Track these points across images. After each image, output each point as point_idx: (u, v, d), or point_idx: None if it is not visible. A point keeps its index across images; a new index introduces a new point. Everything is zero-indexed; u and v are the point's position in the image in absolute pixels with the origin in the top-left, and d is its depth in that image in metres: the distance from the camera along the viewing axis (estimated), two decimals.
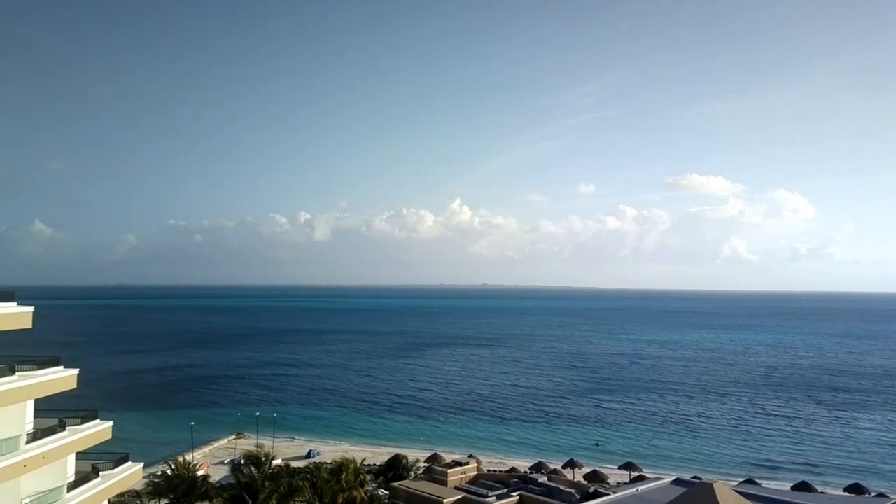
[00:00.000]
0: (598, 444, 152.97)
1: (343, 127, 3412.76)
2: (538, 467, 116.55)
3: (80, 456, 52.14)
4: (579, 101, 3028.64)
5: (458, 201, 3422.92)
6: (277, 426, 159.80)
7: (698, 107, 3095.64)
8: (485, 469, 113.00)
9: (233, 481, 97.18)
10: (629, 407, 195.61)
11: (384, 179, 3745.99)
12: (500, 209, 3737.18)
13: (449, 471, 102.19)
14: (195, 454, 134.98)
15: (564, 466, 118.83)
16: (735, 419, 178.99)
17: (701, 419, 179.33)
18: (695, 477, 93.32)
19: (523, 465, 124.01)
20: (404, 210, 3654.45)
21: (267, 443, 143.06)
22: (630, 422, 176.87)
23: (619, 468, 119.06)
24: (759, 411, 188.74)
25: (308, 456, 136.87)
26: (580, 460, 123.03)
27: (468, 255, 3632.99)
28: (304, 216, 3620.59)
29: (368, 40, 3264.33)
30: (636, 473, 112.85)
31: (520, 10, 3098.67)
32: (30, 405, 47.88)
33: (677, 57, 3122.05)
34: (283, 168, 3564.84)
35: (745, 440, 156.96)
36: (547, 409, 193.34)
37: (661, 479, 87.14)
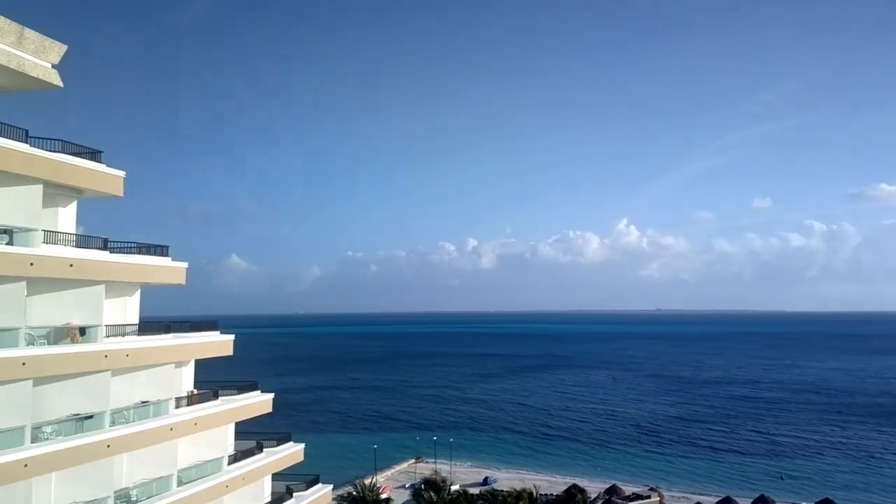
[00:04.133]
0: (782, 477, 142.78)
1: (509, 151, 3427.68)
2: (726, 503, 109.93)
3: (275, 477, 53.68)
4: (753, 111, 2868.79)
5: (624, 222, 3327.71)
6: (454, 451, 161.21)
7: (883, 111, 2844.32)
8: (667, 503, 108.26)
9: None
10: (813, 439, 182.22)
11: (549, 202, 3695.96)
12: (667, 229, 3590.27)
13: None
14: (378, 477, 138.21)
15: (755, 503, 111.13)
16: None
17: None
18: None
19: (709, 500, 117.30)
20: (571, 234, 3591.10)
21: (444, 467, 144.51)
22: (816, 455, 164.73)
23: None
24: None
25: (484, 483, 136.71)
26: (772, 496, 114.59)
27: (639, 279, 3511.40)
28: (472, 243, 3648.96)
29: (534, 63, 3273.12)
30: None
31: (690, 18, 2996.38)
32: (231, 428, 50.27)
33: (856, 60, 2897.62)
34: (453, 197, 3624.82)
35: None
36: (723, 439, 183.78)
37: None
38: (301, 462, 56.07)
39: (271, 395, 53.76)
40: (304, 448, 56.60)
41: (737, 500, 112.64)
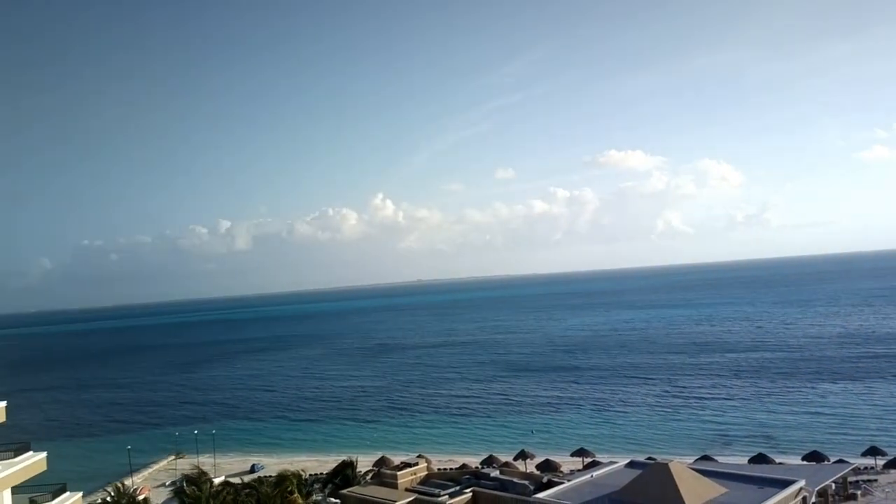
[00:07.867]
0: (532, 432, 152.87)
1: (260, 131, 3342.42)
2: (489, 461, 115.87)
3: (16, 490, 49.08)
4: (492, 86, 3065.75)
5: (380, 196, 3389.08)
6: (218, 442, 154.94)
7: (611, 83, 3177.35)
8: (435, 468, 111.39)
9: (176, 503, 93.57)
10: (555, 395, 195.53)
11: (305, 181, 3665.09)
12: (422, 202, 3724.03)
13: (398, 473, 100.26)
14: (135, 478, 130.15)
15: (516, 458, 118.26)
16: (670, 398, 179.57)
17: (638, 401, 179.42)
18: (649, 458, 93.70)
19: (474, 461, 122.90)
20: (330, 210, 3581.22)
21: (208, 461, 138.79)
22: (556, 411, 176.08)
23: (572, 455, 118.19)
24: (695, 389, 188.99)
25: (252, 470, 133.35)
26: (531, 450, 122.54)
27: (398, 252, 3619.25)
28: (225, 225, 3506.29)
29: (283, 40, 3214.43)
30: (589, 459, 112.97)
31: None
32: None
33: (591, 34, 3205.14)
34: (202, 178, 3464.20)
35: (690, 419, 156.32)
36: (475, 404, 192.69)
37: (615, 462, 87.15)
38: (45, 471, 51.67)
39: (3, 403, 48.54)
40: (47, 456, 52.18)
41: (500, 457, 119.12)
